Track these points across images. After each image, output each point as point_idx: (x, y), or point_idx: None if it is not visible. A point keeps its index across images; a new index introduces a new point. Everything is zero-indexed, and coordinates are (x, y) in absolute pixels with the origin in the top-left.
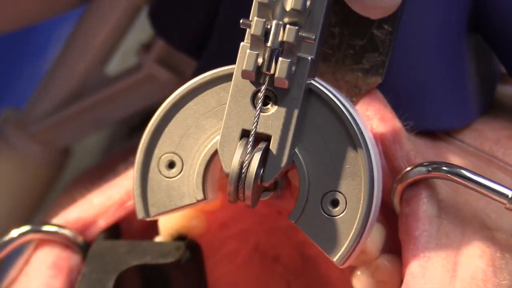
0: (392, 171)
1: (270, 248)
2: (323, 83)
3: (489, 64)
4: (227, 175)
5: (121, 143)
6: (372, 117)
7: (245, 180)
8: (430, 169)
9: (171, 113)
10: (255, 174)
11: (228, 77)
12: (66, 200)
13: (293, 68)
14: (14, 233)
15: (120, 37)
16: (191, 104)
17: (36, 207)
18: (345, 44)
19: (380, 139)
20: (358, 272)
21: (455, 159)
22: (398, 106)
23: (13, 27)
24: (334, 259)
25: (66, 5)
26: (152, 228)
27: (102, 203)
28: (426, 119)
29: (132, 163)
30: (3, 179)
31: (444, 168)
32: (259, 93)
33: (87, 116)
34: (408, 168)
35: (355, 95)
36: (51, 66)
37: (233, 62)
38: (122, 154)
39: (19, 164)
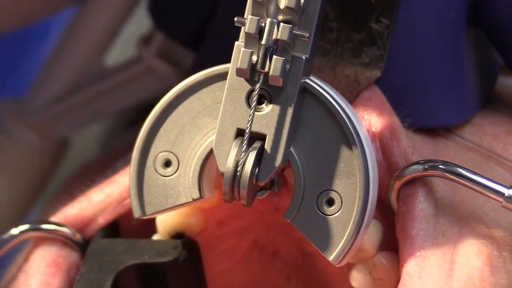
0: (389, 168)
1: (269, 244)
2: (318, 81)
3: (489, 56)
4: (222, 174)
5: (119, 135)
6: (370, 113)
7: (240, 180)
8: (426, 167)
9: (167, 111)
10: (250, 174)
11: (223, 76)
12: (65, 197)
13: (288, 67)
14: (14, 231)
15: (119, 27)
16: (186, 103)
17: (35, 198)
18: (343, 38)
19: (378, 136)
20: (356, 270)
21: (453, 155)
22: (397, 102)
23: (12, 28)
24: (330, 258)
25: (64, 4)
26: (150, 225)
27: (101, 200)
28: (424, 115)
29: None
30: (2, 169)
31: (440, 166)
32: (253, 92)
33: (86, 107)
34: (405, 166)
35: (354, 89)
36: (51, 56)
37: (230, 60)
38: (122, 150)
39: (17, 154)
